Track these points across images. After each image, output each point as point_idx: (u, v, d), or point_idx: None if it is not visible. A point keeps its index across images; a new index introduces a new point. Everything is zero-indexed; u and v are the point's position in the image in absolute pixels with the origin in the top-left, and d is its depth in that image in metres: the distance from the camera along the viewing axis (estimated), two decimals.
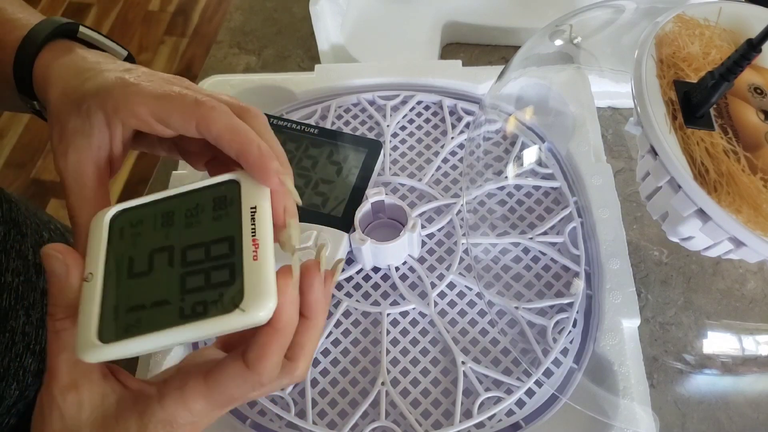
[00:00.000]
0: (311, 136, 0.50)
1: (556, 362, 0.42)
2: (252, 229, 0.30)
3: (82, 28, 0.37)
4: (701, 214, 0.34)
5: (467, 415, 0.40)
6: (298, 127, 0.50)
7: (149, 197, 0.33)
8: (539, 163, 0.50)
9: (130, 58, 0.39)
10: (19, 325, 0.49)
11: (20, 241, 0.51)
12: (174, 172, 0.51)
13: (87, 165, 0.32)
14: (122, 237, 0.32)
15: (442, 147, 0.51)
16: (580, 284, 0.44)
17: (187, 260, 0.30)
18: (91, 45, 0.38)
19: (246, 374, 0.28)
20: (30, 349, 0.51)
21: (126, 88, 0.32)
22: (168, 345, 0.30)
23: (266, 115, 0.51)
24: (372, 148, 0.49)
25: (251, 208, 0.31)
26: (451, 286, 0.45)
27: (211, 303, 0.29)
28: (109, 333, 0.29)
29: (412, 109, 0.54)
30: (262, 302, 0.28)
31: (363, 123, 0.53)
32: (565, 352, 0.42)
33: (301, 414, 0.41)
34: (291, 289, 0.29)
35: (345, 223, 0.45)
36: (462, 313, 0.44)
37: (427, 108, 0.54)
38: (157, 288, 0.30)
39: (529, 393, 0.41)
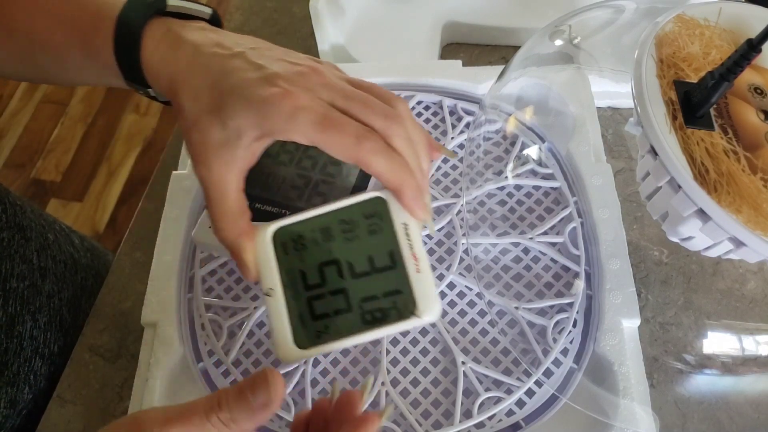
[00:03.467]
0: None
1: (556, 362, 0.42)
2: (409, 244, 0.34)
3: (169, 1, 0.36)
4: (701, 214, 0.34)
5: (467, 415, 0.40)
6: None
7: (301, 215, 0.36)
8: (539, 163, 0.50)
9: (215, 16, 0.39)
10: (27, 330, 0.49)
11: (24, 246, 0.51)
12: (174, 172, 0.51)
13: (231, 177, 0.34)
14: (287, 252, 0.35)
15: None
16: (580, 284, 0.44)
17: (355, 271, 0.34)
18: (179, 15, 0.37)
19: None
20: (39, 353, 0.50)
21: (288, 117, 0.31)
22: (350, 346, 0.35)
23: None
24: None
25: (403, 224, 0.35)
26: (451, 286, 0.45)
27: (388, 310, 0.33)
28: (303, 340, 0.33)
29: (412, 109, 0.54)
30: (434, 309, 0.33)
31: None
32: (565, 352, 0.42)
33: None
34: None
35: None
36: (462, 313, 0.44)
37: (427, 108, 0.54)
38: (335, 298, 0.34)
39: (529, 393, 0.41)
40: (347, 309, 0.34)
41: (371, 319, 0.34)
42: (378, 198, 0.35)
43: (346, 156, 0.32)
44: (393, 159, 0.32)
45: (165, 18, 0.37)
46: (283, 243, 0.36)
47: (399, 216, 0.35)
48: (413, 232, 0.35)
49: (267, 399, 0.28)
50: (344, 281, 0.35)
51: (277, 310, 0.34)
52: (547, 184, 0.49)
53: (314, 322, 0.34)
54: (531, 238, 0.46)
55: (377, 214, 0.35)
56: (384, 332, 0.34)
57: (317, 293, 0.34)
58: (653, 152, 0.35)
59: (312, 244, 0.35)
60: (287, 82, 0.32)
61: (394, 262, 0.34)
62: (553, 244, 0.46)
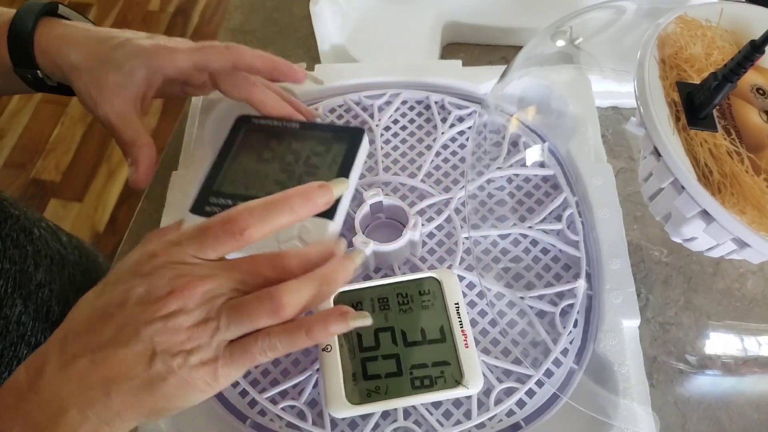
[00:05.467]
0: (292, 130, 0.48)
1: (557, 362, 0.42)
2: (459, 322, 0.39)
3: (61, 7, 0.47)
4: (705, 215, 0.34)
5: (467, 415, 0.40)
6: (279, 123, 0.49)
7: (363, 284, 0.41)
8: (540, 163, 0.50)
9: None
10: (14, 314, 0.49)
11: (17, 231, 0.51)
12: (174, 172, 0.51)
13: (130, 108, 0.43)
14: None
15: (435, 142, 0.51)
16: (580, 284, 0.44)
17: (408, 340, 0.39)
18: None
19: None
20: (25, 341, 0.50)
21: (170, 51, 0.44)
22: (396, 407, 0.38)
23: (246, 115, 0.49)
24: (353, 135, 0.47)
25: (455, 303, 0.40)
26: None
27: (436, 378, 0.37)
28: (354, 396, 0.37)
29: (412, 108, 0.54)
30: (479, 381, 0.38)
31: (363, 123, 0.53)
32: (565, 352, 0.42)
33: (319, 416, 0.41)
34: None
35: (328, 211, 0.41)
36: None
37: (427, 108, 0.54)
38: (388, 361, 0.38)
39: (530, 393, 0.41)
40: (398, 373, 0.37)
41: (419, 384, 0.37)
42: (433, 278, 0.41)
43: (222, 60, 0.44)
44: (254, 50, 0.45)
45: (59, 18, 0.46)
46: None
47: (452, 296, 0.40)
48: (463, 311, 0.40)
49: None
50: (397, 347, 0.38)
51: (332, 365, 0.37)
52: (547, 184, 0.49)
53: (366, 382, 0.37)
54: (531, 239, 0.46)
55: (431, 293, 0.40)
56: (429, 398, 0.37)
57: (371, 355, 0.38)
58: (656, 154, 0.35)
59: (370, 311, 0.39)
60: (170, 42, 0.45)
61: (444, 336, 0.39)
62: (554, 245, 0.46)
